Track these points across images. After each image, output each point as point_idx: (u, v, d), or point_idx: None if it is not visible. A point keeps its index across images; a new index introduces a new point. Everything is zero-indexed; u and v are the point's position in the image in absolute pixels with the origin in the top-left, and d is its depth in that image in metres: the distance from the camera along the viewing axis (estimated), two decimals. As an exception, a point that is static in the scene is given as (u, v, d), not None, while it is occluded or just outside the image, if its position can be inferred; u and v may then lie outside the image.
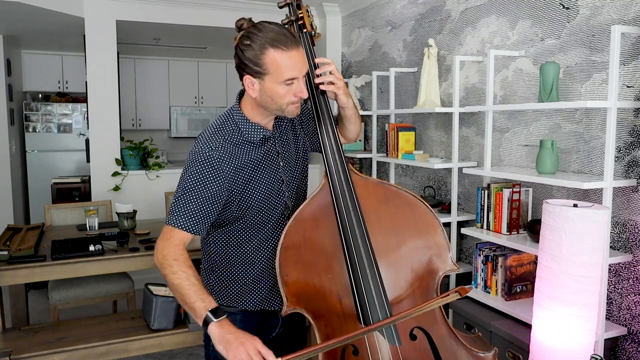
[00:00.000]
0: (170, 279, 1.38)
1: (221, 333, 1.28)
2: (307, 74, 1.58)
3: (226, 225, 1.56)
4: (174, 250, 1.41)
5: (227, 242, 1.58)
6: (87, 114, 4.46)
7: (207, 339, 1.66)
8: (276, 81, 1.41)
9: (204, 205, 1.44)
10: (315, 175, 4.55)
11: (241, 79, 1.46)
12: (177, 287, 1.36)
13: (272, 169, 1.57)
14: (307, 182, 1.71)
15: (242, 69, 1.44)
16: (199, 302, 1.32)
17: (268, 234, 1.58)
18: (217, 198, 1.46)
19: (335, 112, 1.68)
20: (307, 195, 1.60)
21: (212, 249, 1.62)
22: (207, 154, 1.46)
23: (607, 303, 2.32)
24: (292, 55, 1.39)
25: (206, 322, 1.30)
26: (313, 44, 1.63)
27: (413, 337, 1.46)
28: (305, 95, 1.45)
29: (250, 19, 1.46)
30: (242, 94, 1.55)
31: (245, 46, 1.40)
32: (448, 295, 1.36)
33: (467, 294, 1.43)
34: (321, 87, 1.55)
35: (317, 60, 1.57)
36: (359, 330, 1.35)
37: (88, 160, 4.48)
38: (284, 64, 1.39)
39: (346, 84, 1.60)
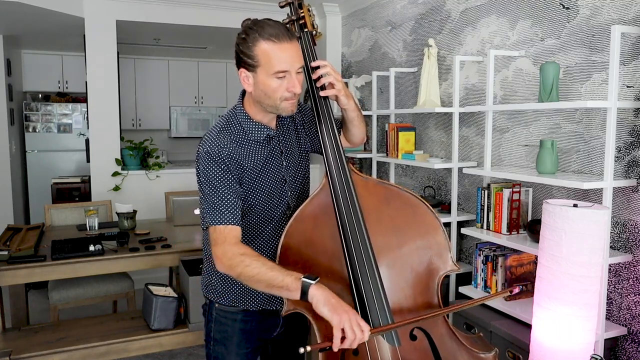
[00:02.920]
0: (246, 273, 1.36)
1: (325, 295, 1.28)
2: (308, 73, 1.58)
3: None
4: (236, 248, 1.41)
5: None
6: (87, 114, 4.46)
7: (208, 338, 1.67)
8: (267, 73, 1.42)
9: (237, 198, 1.47)
10: (316, 175, 4.55)
11: (239, 73, 1.48)
12: (258, 277, 1.35)
13: (276, 168, 1.57)
14: (309, 182, 1.71)
15: (238, 62, 1.46)
16: (288, 278, 1.32)
17: (270, 235, 1.58)
18: (240, 190, 1.49)
19: (337, 114, 1.68)
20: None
21: (214, 249, 1.62)
22: (217, 151, 1.47)
23: (607, 303, 2.32)
24: (284, 48, 1.40)
25: (304, 291, 1.29)
26: (314, 44, 1.62)
27: (413, 337, 1.46)
28: (297, 90, 1.44)
29: (255, 19, 1.48)
30: (244, 93, 1.56)
31: (241, 40, 1.43)
32: (501, 292, 1.37)
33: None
34: (322, 93, 1.54)
35: (313, 64, 1.56)
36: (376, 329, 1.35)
37: (88, 160, 4.48)
38: (274, 56, 1.40)
39: (346, 84, 1.59)
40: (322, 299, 1.28)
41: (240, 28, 1.48)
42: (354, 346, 1.26)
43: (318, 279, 1.31)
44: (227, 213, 1.44)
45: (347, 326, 1.24)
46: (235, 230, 1.44)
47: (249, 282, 1.38)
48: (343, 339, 1.25)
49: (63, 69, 6.37)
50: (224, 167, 1.47)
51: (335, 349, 1.25)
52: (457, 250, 3.31)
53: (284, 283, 1.32)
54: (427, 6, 3.59)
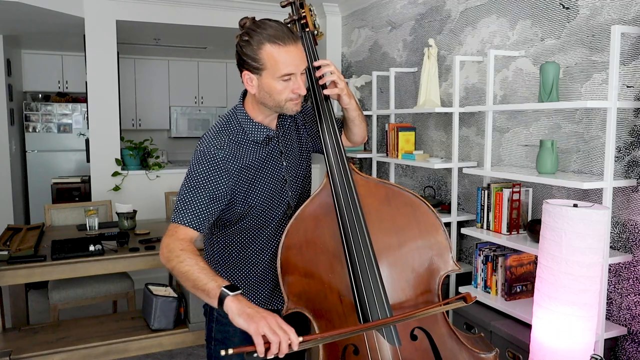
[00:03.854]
0: (178, 269, 1.34)
1: (240, 306, 1.24)
2: (309, 73, 1.58)
3: (230, 226, 1.57)
4: (180, 243, 1.39)
5: (231, 244, 1.59)
6: (87, 114, 4.46)
7: (209, 338, 1.66)
8: (273, 77, 1.41)
9: (209, 204, 1.44)
10: (317, 175, 4.55)
11: (241, 75, 1.47)
12: (186, 275, 1.33)
13: (275, 169, 1.57)
14: (310, 182, 1.71)
15: (242, 65, 1.45)
16: (212, 283, 1.28)
17: (271, 235, 1.58)
18: (222, 197, 1.47)
19: (337, 114, 1.68)
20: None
21: (215, 249, 1.62)
22: (213, 152, 1.46)
23: (607, 303, 2.32)
24: (290, 51, 1.40)
25: (221, 300, 1.25)
26: (315, 44, 1.62)
27: (414, 337, 1.46)
28: (303, 92, 1.44)
29: (253, 18, 1.47)
30: (245, 93, 1.56)
31: (244, 42, 1.42)
32: (452, 302, 1.35)
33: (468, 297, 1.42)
34: (324, 92, 1.54)
35: (315, 64, 1.56)
36: (363, 325, 1.34)
37: (88, 160, 4.48)
38: (281, 60, 1.39)
39: (346, 84, 1.59)
40: (236, 310, 1.23)
41: (239, 28, 1.47)
42: (284, 350, 1.19)
43: (239, 291, 1.27)
44: (192, 215, 1.42)
45: (267, 330, 1.19)
46: (189, 231, 1.42)
47: (179, 278, 1.37)
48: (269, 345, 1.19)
49: (63, 69, 6.37)
50: (213, 169, 1.45)
51: (261, 355, 1.19)
52: (457, 250, 3.32)
53: (206, 287, 1.28)
54: (427, 6, 3.59)
